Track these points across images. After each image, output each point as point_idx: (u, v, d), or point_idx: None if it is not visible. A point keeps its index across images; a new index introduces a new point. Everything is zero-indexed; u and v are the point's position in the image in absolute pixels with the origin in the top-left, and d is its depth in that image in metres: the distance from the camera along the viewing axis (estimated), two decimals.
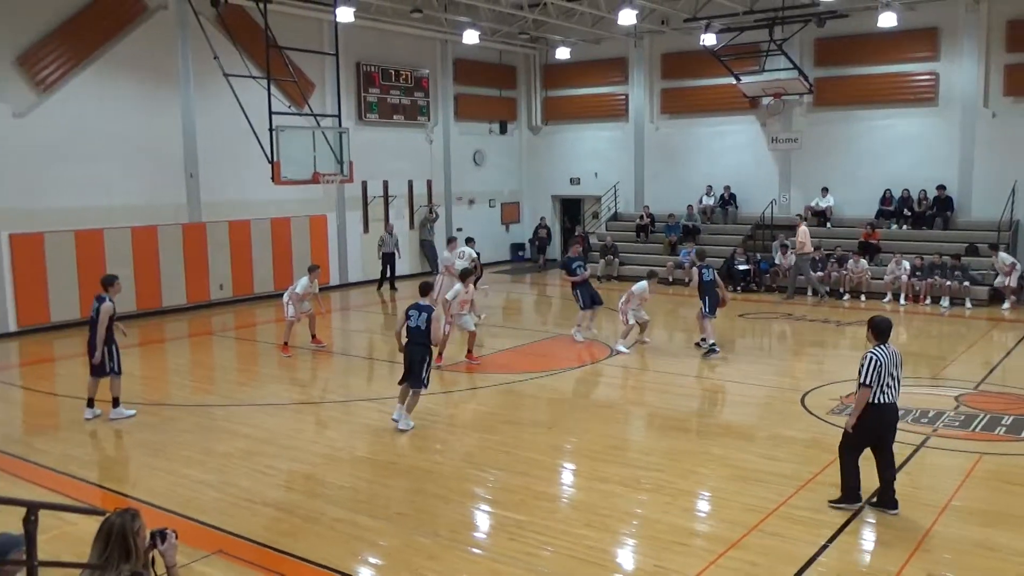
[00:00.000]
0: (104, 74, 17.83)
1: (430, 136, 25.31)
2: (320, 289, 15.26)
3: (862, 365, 7.23)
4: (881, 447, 7.41)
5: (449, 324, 13.67)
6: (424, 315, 9.95)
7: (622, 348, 14.53)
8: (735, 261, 21.68)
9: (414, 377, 10.04)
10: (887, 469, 7.45)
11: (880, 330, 7.33)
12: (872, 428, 7.29)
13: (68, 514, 6.77)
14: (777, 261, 21.51)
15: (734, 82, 23.12)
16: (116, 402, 10.90)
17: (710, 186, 24.64)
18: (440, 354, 13.39)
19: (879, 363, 7.16)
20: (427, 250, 24.54)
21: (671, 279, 22.28)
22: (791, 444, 9.48)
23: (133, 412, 10.96)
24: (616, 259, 23.83)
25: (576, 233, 26.23)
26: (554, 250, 28.18)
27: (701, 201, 24.68)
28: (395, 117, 23.95)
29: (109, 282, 10.96)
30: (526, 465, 8.89)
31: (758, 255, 22.07)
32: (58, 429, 10.60)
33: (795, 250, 20.48)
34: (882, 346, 7.28)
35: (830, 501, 7.63)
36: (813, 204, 22.90)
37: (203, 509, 7.81)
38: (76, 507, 6.99)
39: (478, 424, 10.55)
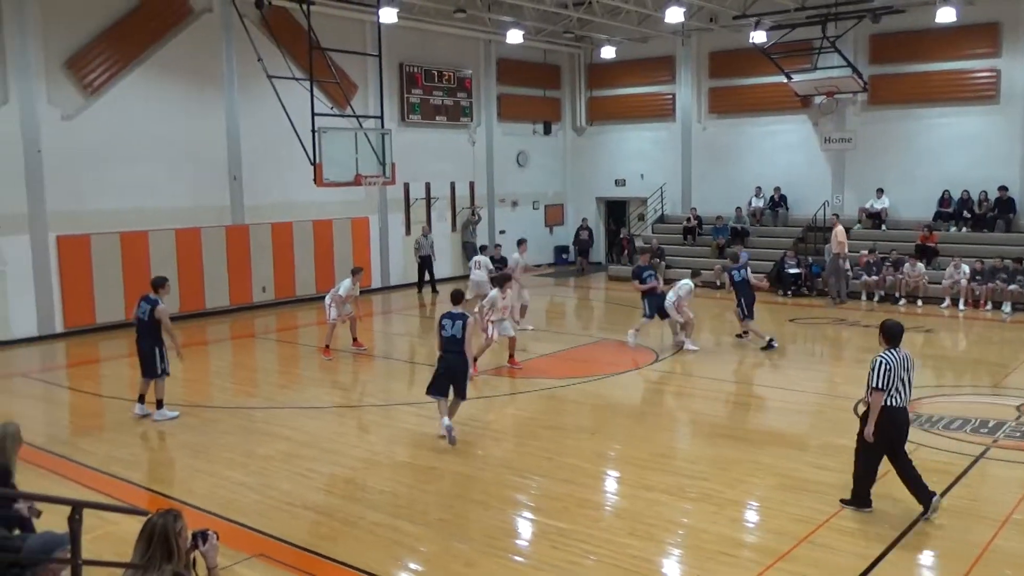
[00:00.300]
0: (150, 77, 18.22)
1: (473, 137, 25.42)
2: (361, 292, 15.40)
3: (872, 369, 7.31)
4: (894, 452, 7.48)
5: (487, 332, 13.52)
6: (459, 323, 9.85)
7: (692, 346, 14.78)
8: (785, 264, 21.42)
9: (459, 388, 9.96)
10: (907, 470, 7.49)
11: (891, 334, 7.45)
12: (885, 432, 7.34)
13: (111, 514, 6.92)
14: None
15: (785, 81, 22.85)
16: (160, 404, 11.12)
17: (759, 187, 24.38)
18: (474, 363, 13.23)
19: (888, 366, 7.26)
20: (469, 253, 24.62)
21: (719, 283, 22.07)
22: (842, 453, 9.31)
23: (176, 414, 11.18)
24: (662, 262, 23.67)
25: (620, 235, 26.07)
26: (597, 253, 28.11)
27: (750, 203, 24.43)
28: (438, 118, 24.11)
29: (160, 283, 11.21)
30: (569, 472, 8.87)
31: (810, 258, 21.78)
32: (103, 430, 10.84)
33: (835, 251, 20.26)
34: (892, 350, 7.38)
35: (842, 499, 7.77)
36: (868, 206, 22.53)
37: (244, 511, 7.93)
38: (119, 507, 7.15)
39: (519, 430, 10.56)
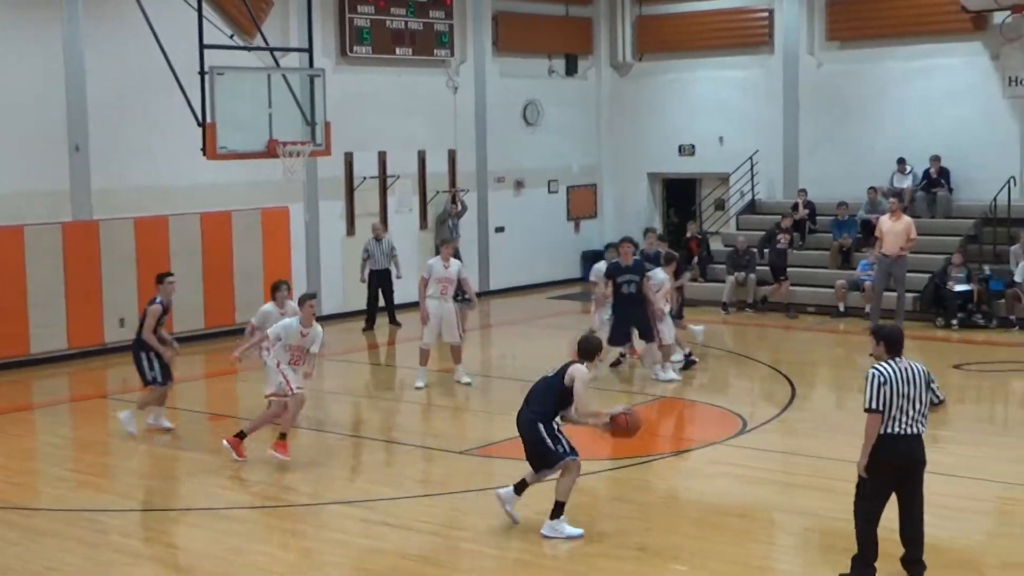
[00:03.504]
0: None
1: (454, 80, 25.45)
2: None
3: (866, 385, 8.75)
4: (903, 495, 8.82)
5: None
6: None
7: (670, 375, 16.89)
8: (947, 277, 21.37)
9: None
10: (912, 521, 8.84)
11: (891, 340, 8.90)
12: (883, 466, 8.67)
13: None
14: (1020, 278, 21.15)
15: None
16: None
17: (902, 159, 24.32)
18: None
19: (884, 380, 8.67)
20: None
21: (843, 308, 21.97)
22: None
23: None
24: (753, 275, 23.59)
25: (688, 234, 25.91)
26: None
27: (892, 182, 24.38)
28: (399, 51, 24.12)
29: None
30: None
31: (986, 268, 21.74)
32: None
33: None
34: (892, 361, 8.79)
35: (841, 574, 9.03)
36: None
37: None
38: None
39: (520, 545, 10.52)
